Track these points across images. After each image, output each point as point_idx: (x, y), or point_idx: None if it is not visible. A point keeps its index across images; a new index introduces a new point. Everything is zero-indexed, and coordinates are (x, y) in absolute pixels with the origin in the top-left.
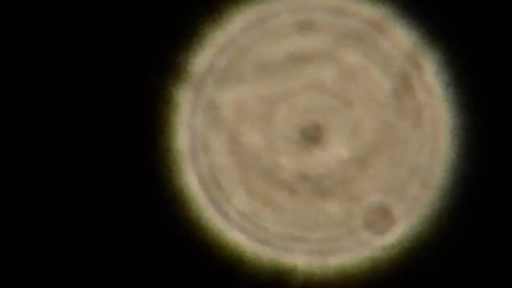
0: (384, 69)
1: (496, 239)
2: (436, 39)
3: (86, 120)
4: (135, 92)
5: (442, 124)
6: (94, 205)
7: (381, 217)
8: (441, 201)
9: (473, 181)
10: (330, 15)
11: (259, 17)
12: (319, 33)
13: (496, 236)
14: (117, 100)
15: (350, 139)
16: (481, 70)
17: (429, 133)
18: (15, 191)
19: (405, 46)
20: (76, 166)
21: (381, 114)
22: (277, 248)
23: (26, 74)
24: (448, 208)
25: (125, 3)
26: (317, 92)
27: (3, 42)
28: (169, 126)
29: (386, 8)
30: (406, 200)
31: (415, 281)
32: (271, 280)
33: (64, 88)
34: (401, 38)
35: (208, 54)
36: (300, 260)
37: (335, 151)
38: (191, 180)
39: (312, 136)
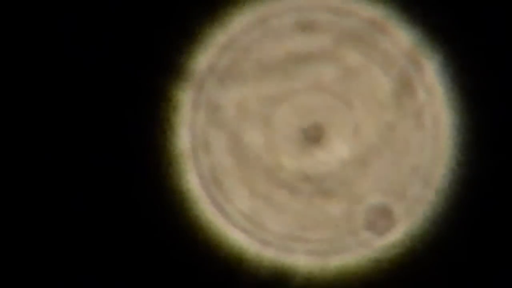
0: (384, 69)
1: (496, 239)
2: (436, 39)
3: (87, 120)
4: (137, 92)
5: (443, 124)
6: (95, 205)
7: (381, 217)
8: (441, 201)
9: (473, 181)
10: (331, 15)
11: (260, 17)
12: (320, 33)
13: (496, 236)
14: (119, 100)
15: (351, 139)
16: (481, 70)
17: (429, 133)
18: (15, 191)
19: (405, 46)
20: (78, 166)
21: (382, 114)
22: (278, 248)
23: (28, 74)
24: (449, 208)
25: (126, 4)
26: (318, 92)
27: (3, 42)
28: (170, 125)
29: (387, 8)
30: (407, 200)
31: (415, 281)
32: (271, 279)
33: (65, 88)
34: (401, 38)
35: (209, 54)
36: (300, 260)
37: (336, 151)
38: (192, 180)
39: (313, 136)
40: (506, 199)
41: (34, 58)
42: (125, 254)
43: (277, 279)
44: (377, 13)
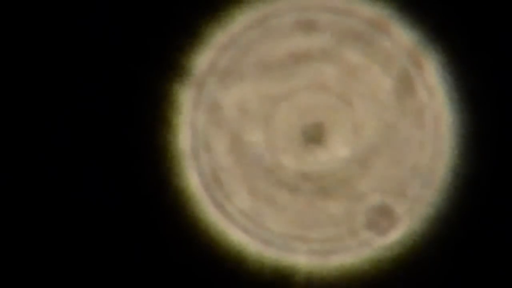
0: (385, 69)
1: (496, 239)
2: (437, 38)
3: (88, 119)
4: (138, 91)
5: (444, 123)
6: (96, 204)
7: (382, 217)
8: (442, 200)
9: (473, 181)
10: (332, 14)
11: (260, 17)
12: (320, 33)
13: (496, 235)
14: (120, 99)
15: (352, 138)
16: (481, 69)
17: (430, 132)
18: (16, 191)
19: (406, 45)
20: (78, 165)
21: (383, 114)
22: (279, 247)
23: (28, 73)
24: (449, 207)
25: (127, 4)
26: (318, 91)
27: (3, 42)
28: (171, 125)
29: (388, 8)
30: (407, 200)
31: (415, 281)
32: (273, 279)
33: (65, 88)
34: (402, 37)
35: (210, 54)
36: (301, 259)
37: (336, 151)
38: (192, 179)
39: (313, 135)
40: (506, 198)
41: (34, 58)
42: (126, 254)
43: (278, 278)
44: (378, 12)
